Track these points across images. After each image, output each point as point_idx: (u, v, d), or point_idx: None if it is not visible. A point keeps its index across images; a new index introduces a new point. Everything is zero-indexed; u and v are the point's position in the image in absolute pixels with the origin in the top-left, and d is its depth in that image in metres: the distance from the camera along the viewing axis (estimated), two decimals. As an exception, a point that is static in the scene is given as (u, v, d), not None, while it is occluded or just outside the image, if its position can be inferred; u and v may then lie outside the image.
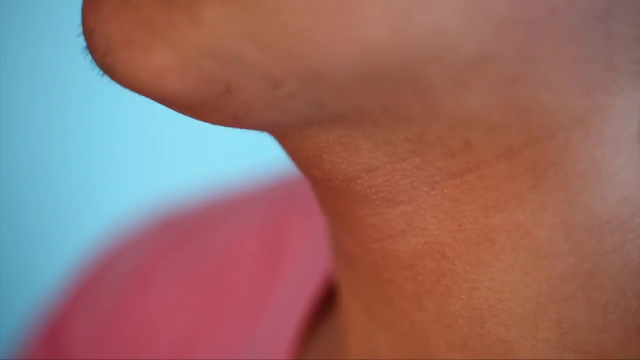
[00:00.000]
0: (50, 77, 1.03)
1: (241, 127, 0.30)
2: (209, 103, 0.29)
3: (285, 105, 0.28)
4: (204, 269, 0.50)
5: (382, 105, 0.29)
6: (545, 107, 0.29)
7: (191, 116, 0.30)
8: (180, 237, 0.52)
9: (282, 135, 0.31)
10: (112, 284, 0.52)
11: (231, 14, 0.27)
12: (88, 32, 0.29)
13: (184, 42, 0.28)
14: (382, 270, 0.32)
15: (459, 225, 0.31)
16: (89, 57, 0.29)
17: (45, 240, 1.06)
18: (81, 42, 0.30)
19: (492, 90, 0.28)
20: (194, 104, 0.29)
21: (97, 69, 0.29)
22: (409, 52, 0.27)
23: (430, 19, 0.27)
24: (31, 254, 1.06)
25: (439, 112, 0.29)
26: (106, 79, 0.29)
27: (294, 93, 0.28)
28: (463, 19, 0.27)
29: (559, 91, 0.29)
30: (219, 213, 0.53)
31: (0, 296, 1.03)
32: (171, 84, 0.28)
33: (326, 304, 0.43)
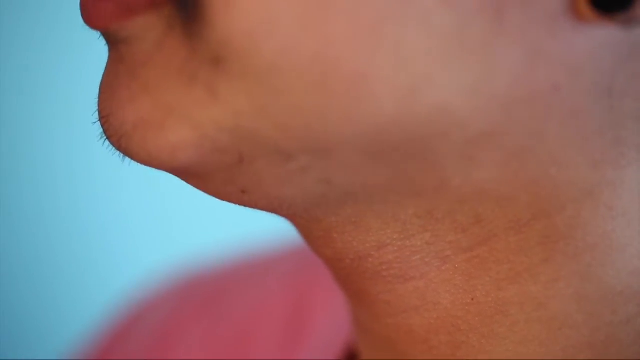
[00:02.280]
0: (75, 141, 1.04)
1: (250, 203, 0.30)
2: (220, 174, 0.29)
3: (296, 180, 0.29)
4: (227, 331, 0.50)
5: (391, 181, 0.29)
6: (553, 181, 0.29)
7: (201, 188, 0.31)
8: (206, 298, 0.53)
9: (291, 216, 0.31)
10: (138, 341, 0.52)
11: (246, 92, 0.28)
12: (104, 119, 0.30)
13: (201, 118, 0.28)
14: (398, 344, 0.33)
15: (472, 299, 0.31)
16: (106, 142, 0.30)
17: (72, 299, 1.07)
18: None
19: (500, 165, 0.29)
20: (206, 174, 0.30)
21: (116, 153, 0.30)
22: (416, 128, 0.28)
23: (435, 96, 0.27)
24: (58, 312, 1.07)
25: (448, 187, 0.29)
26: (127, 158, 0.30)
27: (304, 167, 0.29)
28: (468, 96, 0.27)
29: (566, 165, 0.29)
30: (243, 275, 0.54)
31: (28, 353, 1.04)
32: (185, 156, 0.29)
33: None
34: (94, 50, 0.32)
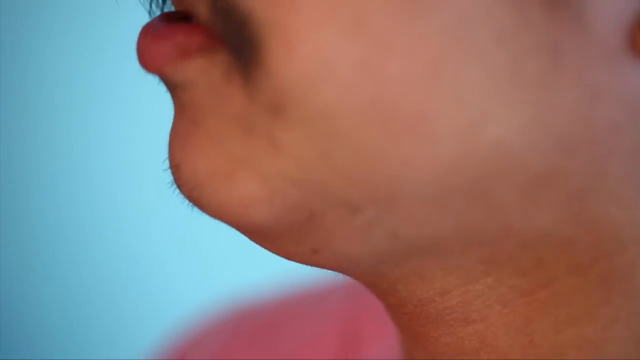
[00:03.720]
0: (124, 180, 1.04)
1: (319, 263, 0.30)
2: (291, 233, 0.29)
3: (364, 235, 0.29)
4: (279, 364, 0.50)
5: (455, 230, 0.29)
6: (615, 221, 0.29)
7: (271, 249, 0.30)
8: (258, 330, 0.53)
9: (357, 273, 0.31)
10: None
11: (307, 139, 0.28)
12: (174, 167, 0.30)
13: (267, 171, 0.28)
14: None
15: (530, 342, 0.31)
16: (177, 190, 0.30)
17: (124, 331, 1.07)
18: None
19: (561, 206, 0.29)
20: (277, 234, 0.29)
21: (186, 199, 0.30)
22: (477, 168, 0.28)
23: (496, 134, 0.27)
24: (112, 343, 1.07)
25: (510, 232, 0.29)
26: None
27: (372, 221, 0.28)
28: (527, 134, 0.27)
29: (628, 205, 0.29)
30: (293, 308, 0.53)
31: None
32: (258, 213, 0.29)
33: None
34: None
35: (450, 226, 0.29)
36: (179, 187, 0.30)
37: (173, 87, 0.30)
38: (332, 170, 0.28)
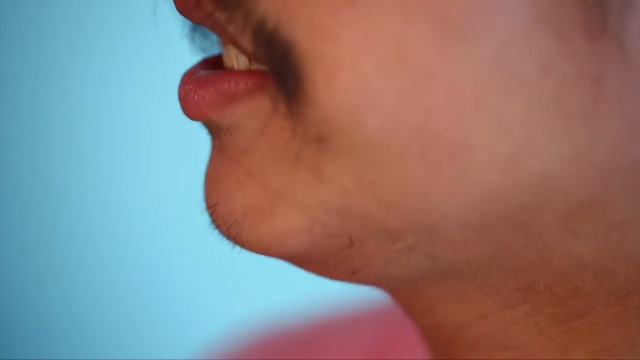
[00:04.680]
0: (158, 201, 1.05)
1: (358, 282, 0.31)
2: (330, 258, 0.30)
3: (403, 259, 0.29)
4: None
5: (494, 255, 0.29)
6: None
7: (311, 271, 0.31)
8: (289, 355, 0.53)
9: (395, 290, 0.32)
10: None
11: (351, 169, 0.28)
12: (211, 208, 0.30)
13: (308, 201, 0.28)
14: None
15: None
16: (215, 230, 0.30)
17: (155, 353, 1.07)
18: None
19: (601, 237, 0.29)
20: (318, 260, 0.30)
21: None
22: (518, 198, 0.28)
23: (536, 164, 0.27)
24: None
25: (549, 261, 0.29)
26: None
27: (411, 246, 0.29)
28: (569, 164, 0.27)
29: None
30: (325, 333, 0.54)
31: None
32: (297, 243, 0.29)
33: None
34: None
35: (489, 252, 0.29)
36: (217, 227, 0.30)
37: (217, 132, 0.30)
38: (374, 199, 0.28)
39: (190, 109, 0.30)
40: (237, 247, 0.30)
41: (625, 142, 0.27)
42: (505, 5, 0.26)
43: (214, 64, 0.32)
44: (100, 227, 1.08)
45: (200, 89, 0.30)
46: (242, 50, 0.29)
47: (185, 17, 0.30)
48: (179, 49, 0.33)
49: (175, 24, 0.32)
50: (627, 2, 0.26)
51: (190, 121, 0.31)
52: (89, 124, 1.06)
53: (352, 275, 0.30)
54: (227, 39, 0.29)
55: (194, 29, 0.32)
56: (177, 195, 0.96)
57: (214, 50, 0.33)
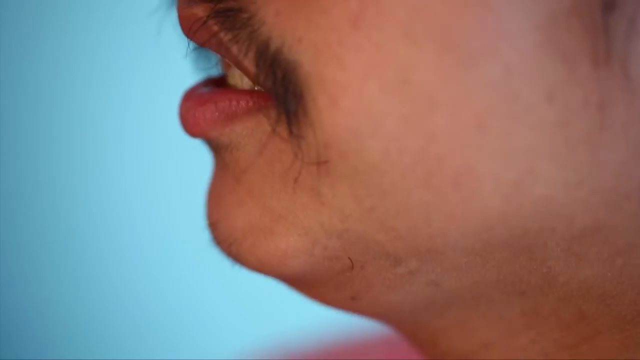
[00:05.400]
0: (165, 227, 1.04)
1: (358, 310, 0.30)
2: (330, 280, 0.29)
3: (404, 284, 0.29)
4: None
5: (498, 280, 0.29)
6: None
7: (311, 296, 0.31)
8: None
9: (397, 322, 0.31)
10: None
11: (352, 194, 0.28)
12: (212, 225, 0.30)
13: (308, 224, 0.28)
14: None
15: None
16: (217, 247, 0.30)
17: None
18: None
19: (605, 261, 0.28)
20: (316, 282, 0.30)
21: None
22: (522, 223, 0.27)
23: (541, 191, 0.27)
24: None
25: (554, 285, 0.29)
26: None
27: (413, 271, 0.29)
28: (573, 190, 0.27)
29: None
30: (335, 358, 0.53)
31: None
32: (297, 264, 0.29)
33: None
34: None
35: (493, 277, 0.29)
36: (217, 244, 0.30)
37: (217, 149, 0.30)
38: (375, 224, 0.28)
39: (190, 125, 0.30)
40: (238, 265, 0.30)
41: (629, 168, 0.27)
42: (511, 30, 0.26)
43: (216, 83, 0.32)
44: (104, 230, 1.08)
45: (201, 106, 0.30)
46: (244, 71, 0.29)
47: (190, 38, 0.30)
48: (183, 52, 0.33)
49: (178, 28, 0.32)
50: (632, 28, 0.26)
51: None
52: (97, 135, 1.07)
53: (352, 302, 0.30)
54: (230, 60, 0.29)
55: (196, 49, 0.32)
56: (181, 198, 0.96)
57: (214, 71, 0.33)
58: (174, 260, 1.07)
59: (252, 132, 0.29)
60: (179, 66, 0.33)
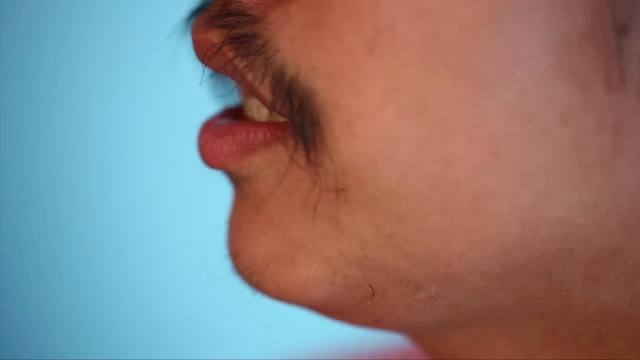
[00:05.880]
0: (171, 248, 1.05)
1: (381, 329, 0.31)
2: (354, 308, 0.30)
3: (426, 308, 0.29)
4: None
5: (517, 303, 0.29)
6: None
7: (333, 318, 0.31)
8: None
9: (418, 335, 0.31)
10: None
11: (370, 221, 0.28)
12: (234, 254, 0.30)
13: (328, 253, 0.29)
14: None
15: None
16: (239, 276, 0.30)
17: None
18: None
19: (624, 285, 0.28)
20: (338, 309, 0.30)
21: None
22: (540, 246, 0.27)
23: (558, 213, 0.27)
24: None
25: (572, 308, 0.29)
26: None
27: (434, 296, 0.29)
28: (589, 213, 0.27)
29: None
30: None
31: None
32: (319, 293, 0.29)
33: None
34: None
35: (512, 300, 0.29)
36: (238, 273, 0.30)
37: (237, 181, 0.30)
38: (394, 250, 0.28)
39: (208, 158, 0.30)
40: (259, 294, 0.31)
41: None
42: (524, 54, 0.26)
43: (234, 114, 0.32)
44: (105, 230, 1.08)
45: (219, 139, 0.30)
46: (261, 99, 0.29)
47: (205, 64, 0.30)
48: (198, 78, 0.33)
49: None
50: None
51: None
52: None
53: (375, 324, 0.30)
54: (246, 87, 0.30)
55: (212, 75, 0.32)
56: (182, 199, 0.96)
57: (231, 98, 0.33)
58: (176, 261, 1.07)
59: (270, 163, 0.29)
60: (194, 93, 0.33)
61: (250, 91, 0.29)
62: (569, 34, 0.26)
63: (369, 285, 0.29)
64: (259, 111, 0.31)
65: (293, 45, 0.28)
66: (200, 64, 0.30)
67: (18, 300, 1.08)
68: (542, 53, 0.26)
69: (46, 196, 1.07)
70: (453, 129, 0.26)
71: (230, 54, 0.29)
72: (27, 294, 1.08)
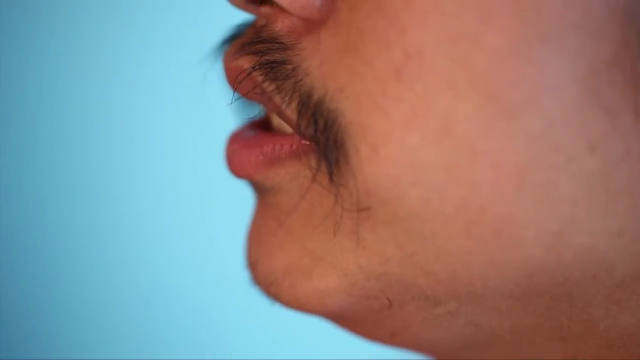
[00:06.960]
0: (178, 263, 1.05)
1: (399, 345, 0.31)
2: (370, 319, 0.30)
3: (444, 323, 0.29)
4: None
5: (538, 324, 0.29)
6: None
7: (350, 330, 0.31)
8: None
9: (437, 354, 0.31)
10: None
11: (392, 239, 0.28)
12: (252, 265, 0.31)
13: (348, 266, 0.29)
14: None
15: None
16: (256, 287, 0.31)
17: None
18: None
19: None
20: (355, 319, 0.30)
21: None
22: (563, 271, 0.27)
23: (581, 240, 0.27)
24: None
25: (594, 332, 0.29)
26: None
27: (453, 312, 0.29)
28: (615, 240, 0.27)
29: None
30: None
31: None
32: (335, 303, 0.29)
33: None
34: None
35: (533, 321, 0.29)
36: (256, 283, 0.31)
37: (261, 191, 0.31)
38: (415, 268, 0.28)
39: (235, 167, 0.31)
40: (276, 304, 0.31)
41: None
42: (552, 83, 0.26)
43: (261, 125, 0.32)
44: (107, 231, 1.07)
45: (247, 150, 0.30)
46: (286, 120, 0.29)
47: (234, 89, 0.30)
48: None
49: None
50: None
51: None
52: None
53: (392, 338, 0.30)
54: (272, 109, 0.30)
55: (238, 99, 0.33)
56: (183, 200, 0.96)
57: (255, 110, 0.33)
58: (177, 262, 1.07)
59: (295, 176, 0.30)
60: (220, 112, 0.33)
61: (276, 113, 0.30)
62: (597, 63, 0.26)
63: (387, 298, 0.29)
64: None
65: (322, 69, 0.28)
66: (230, 89, 0.31)
67: (18, 300, 1.08)
68: (570, 81, 0.26)
69: (46, 196, 1.07)
70: (479, 155, 0.27)
71: (260, 79, 0.29)
72: (27, 294, 1.08)
